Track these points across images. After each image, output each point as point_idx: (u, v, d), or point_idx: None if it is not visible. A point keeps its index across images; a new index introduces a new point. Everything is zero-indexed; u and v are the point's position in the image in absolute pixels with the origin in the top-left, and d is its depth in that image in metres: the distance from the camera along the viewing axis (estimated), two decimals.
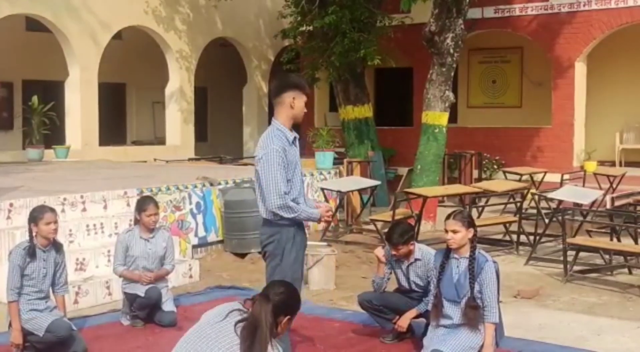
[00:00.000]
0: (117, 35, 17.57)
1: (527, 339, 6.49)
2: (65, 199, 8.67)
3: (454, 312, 5.56)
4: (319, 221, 5.24)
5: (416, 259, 6.34)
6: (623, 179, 13.49)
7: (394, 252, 6.30)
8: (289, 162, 5.05)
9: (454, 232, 5.51)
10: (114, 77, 18.99)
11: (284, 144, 5.05)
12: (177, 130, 18.47)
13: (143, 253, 7.08)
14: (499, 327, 5.64)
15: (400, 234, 6.26)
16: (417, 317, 6.33)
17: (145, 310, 7.00)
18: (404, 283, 6.51)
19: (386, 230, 7.14)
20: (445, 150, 13.90)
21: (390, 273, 6.53)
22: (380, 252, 6.45)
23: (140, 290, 6.96)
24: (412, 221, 10.06)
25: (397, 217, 10.30)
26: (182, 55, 18.42)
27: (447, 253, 5.64)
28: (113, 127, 19.23)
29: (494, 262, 5.63)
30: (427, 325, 6.13)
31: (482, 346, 5.48)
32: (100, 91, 16.89)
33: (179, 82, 18.38)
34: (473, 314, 5.46)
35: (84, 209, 8.86)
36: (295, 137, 5.17)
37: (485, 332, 5.48)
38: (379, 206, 14.34)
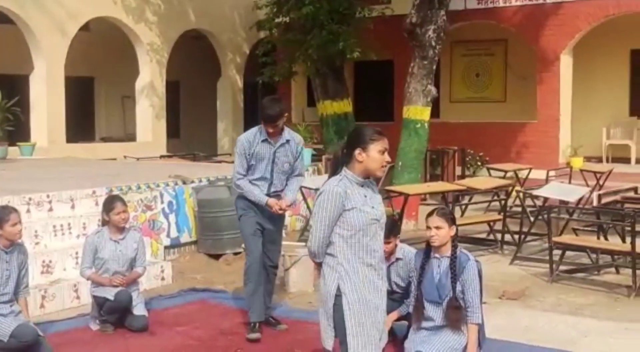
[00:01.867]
0: (85, 27, 17.34)
1: (514, 341, 6.46)
2: (30, 199, 8.52)
3: (436, 314, 5.50)
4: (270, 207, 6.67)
5: (397, 259, 6.32)
6: (610, 176, 13.44)
7: (384, 248, 5.99)
8: (255, 153, 6.65)
9: (438, 228, 5.46)
10: (82, 71, 18.73)
11: (252, 138, 6.66)
12: (148, 126, 18.33)
13: (113, 255, 6.99)
14: (481, 329, 5.58)
15: (389, 228, 6.06)
16: (398, 319, 6.27)
17: (115, 314, 6.92)
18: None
19: None
20: (427, 146, 13.92)
21: None
22: None
23: (109, 293, 6.86)
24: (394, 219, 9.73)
25: None
26: (153, 48, 18.24)
27: (427, 253, 5.58)
28: (81, 123, 18.93)
29: (476, 261, 5.58)
30: (409, 327, 6.10)
31: (465, 347, 5.45)
32: (67, 85, 16.65)
33: (150, 76, 18.24)
34: (456, 315, 5.42)
35: (51, 209, 8.70)
36: (265, 139, 6.69)
37: (468, 333, 5.45)
38: None
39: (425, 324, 5.54)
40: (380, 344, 4.42)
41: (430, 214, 5.54)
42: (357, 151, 4.29)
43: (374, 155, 4.29)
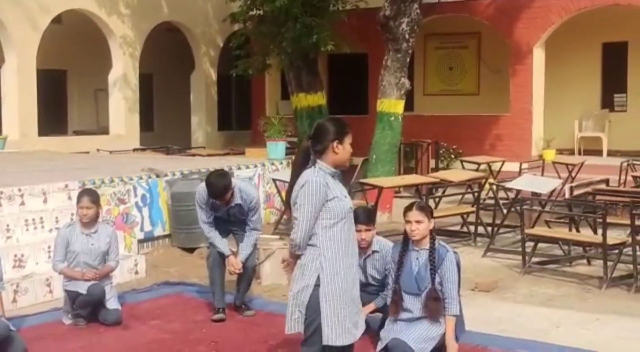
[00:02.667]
0: (57, 19, 17.08)
1: (486, 332, 6.47)
2: (2, 193, 8.44)
3: (414, 306, 5.52)
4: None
5: (374, 251, 6.29)
6: (582, 168, 13.53)
7: (363, 237, 6.16)
8: (211, 206, 6.99)
9: (418, 222, 5.47)
10: (54, 64, 18.43)
11: (206, 197, 6.95)
12: (122, 119, 18.15)
13: (85, 249, 6.93)
14: (459, 321, 5.64)
15: (367, 216, 6.25)
16: (373, 311, 6.25)
17: (88, 308, 6.87)
18: (361, 277, 6.26)
19: None
20: (401, 139, 13.86)
21: None
22: None
23: (82, 287, 6.80)
24: None
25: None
26: (125, 40, 18.05)
27: (405, 246, 5.58)
28: (53, 116, 18.69)
29: (455, 253, 5.65)
30: (383, 319, 6.13)
31: (442, 337, 5.48)
32: (39, 78, 16.47)
33: (123, 69, 18.07)
34: (435, 306, 5.44)
35: (23, 203, 8.61)
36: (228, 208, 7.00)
37: (446, 325, 5.48)
38: None
39: (403, 315, 5.55)
40: (357, 333, 4.46)
41: (409, 209, 5.55)
42: (334, 143, 4.37)
43: (347, 147, 4.42)
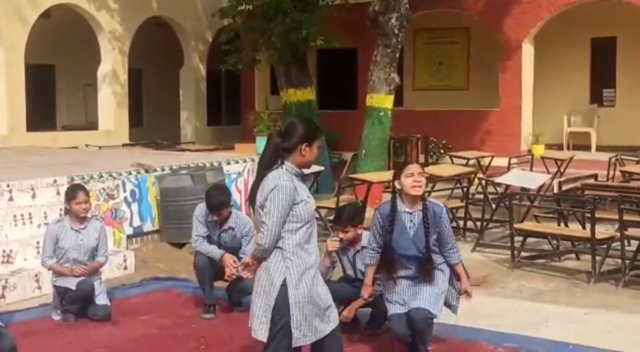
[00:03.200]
0: (46, 14, 16.97)
1: (475, 327, 6.51)
2: None
3: (411, 265, 5.47)
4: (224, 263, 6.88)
5: (363, 247, 6.24)
6: (571, 163, 13.53)
7: (341, 236, 6.20)
8: (207, 224, 7.04)
9: (420, 174, 5.41)
10: (42, 59, 18.40)
11: (204, 214, 7.03)
12: (110, 114, 18.03)
13: (74, 245, 6.94)
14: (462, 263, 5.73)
15: (349, 217, 6.25)
16: (362, 306, 6.22)
17: (77, 304, 6.88)
18: (350, 272, 6.42)
19: (331, 217, 6.97)
20: (390, 134, 13.87)
21: (336, 262, 6.44)
22: (335, 244, 6.27)
23: (71, 283, 6.81)
24: None
25: (341, 204, 9.98)
26: (114, 35, 17.95)
27: (394, 206, 5.43)
28: (42, 112, 18.59)
29: (444, 205, 5.64)
30: (372, 313, 6.23)
31: (447, 283, 5.57)
32: (27, 73, 16.38)
33: (112, 64, 17.95)
34: (430, 266, 5.43)
35: (11, 199, 8.61)
36: (212, 221, 7.02)
37: (457, 271, 5.57)
38: (323, 192, 14.13)
39: (403, 272, 5.49)
40: (327, 327, 4.46)
41: (404, 165, 5.47)
42: (303, 146, 4.36)
43: (315, 151, 4.43)
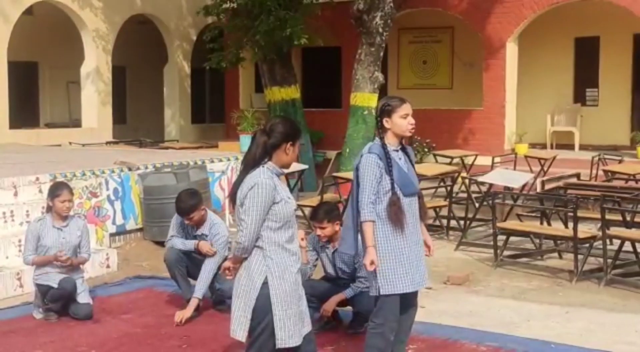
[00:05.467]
0: (28, 11, 16.92)
1: (458, 326, 6.52)
2: None
3: (411, 208, 5.03)
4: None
5: None
6: (554, 162, 13.57)
7: (319, 233, 6.16)
8: (184, 227, 7.05)
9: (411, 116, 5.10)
10: (25, 56, 18.28)
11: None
12: (94, 112, 17.97)
13: (56, 243, 6.90)
14: None
15: (326, 212, 6.20)
16: (343, 304, 6.23)
17: (59, 302, 6.85)
18: (330, 270, 6.41)
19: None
20: (375, 133, 13.53)
21: (317, 260, 6.43)
22: (301, 234, 5.95)
23: (53, 281, 6.80)
24: (340, 206, 9.81)
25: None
26: (98, 33, 17.89)
27: (384, 145, 5.01)
28: (24, 109, 18.43)
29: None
30: (354, 313, 6.22)
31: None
32: (10, 71, 16.26)
33: (96, 61, 17.89)
34: (424, 203, 5.20)
35: None
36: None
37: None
38: (307, 190, 14.20)
39: (409, 219, 4.96)
40: (303, 331, 4.43)
41: (402, 101, 5.08)
42: (288, 144, 4.37)
43: (296, 150, 4.45)
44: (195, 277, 6.97)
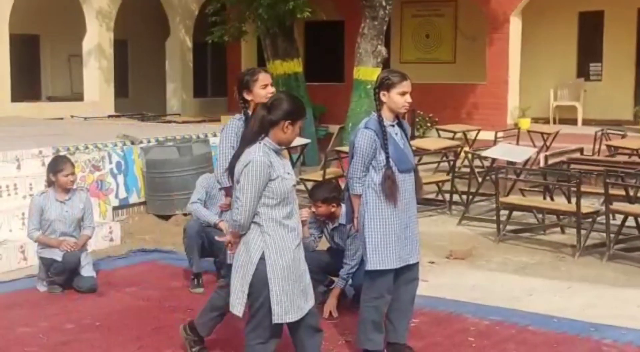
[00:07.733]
0: None
1: (460, 300, 6.51)
2: None
3: (407, 184, 5.02)
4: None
5: (340, 224, 6.23)
6: (557, 137, 13.58)
7: (313, 210, 6.12)
8: (207, 190, 7.00)
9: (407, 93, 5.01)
10: (26, 29, 18.12)
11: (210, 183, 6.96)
12: (96, 85, 17.90)
13: (59, 216, 6.89)
14: None
15: (323, 193, 6.20)
16: (339, 296, 6.23)
17: (63, 275, 6.85)
18: (331, 244, 6.48)
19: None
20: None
21: (322, 232, 6.45)
22: (305, 214, 5.87)
23: (57, 254, 6.79)
24: (342, 180, 9.71)
25: (327, 177, 10.17)
26: (100, 6, 17.76)
27: (381, 120, 4.98)
28: (26, 82, 18.39)
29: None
30: (355, 288, 6.10)
31: None
32: (11, 43, 16.18)
33: (97, 35, 17.78)
34: (418, 176, 5.14)
35: None
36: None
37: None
38: (309, 165, 14.18)
39: (405, 195, 4.99)
40: (306, 306, 4.40)
41: (403, 78, 5.00)
42: (287, 122, 4.30)
43: (296, 130, 4.36)
44: (205, 254, 6.95)
